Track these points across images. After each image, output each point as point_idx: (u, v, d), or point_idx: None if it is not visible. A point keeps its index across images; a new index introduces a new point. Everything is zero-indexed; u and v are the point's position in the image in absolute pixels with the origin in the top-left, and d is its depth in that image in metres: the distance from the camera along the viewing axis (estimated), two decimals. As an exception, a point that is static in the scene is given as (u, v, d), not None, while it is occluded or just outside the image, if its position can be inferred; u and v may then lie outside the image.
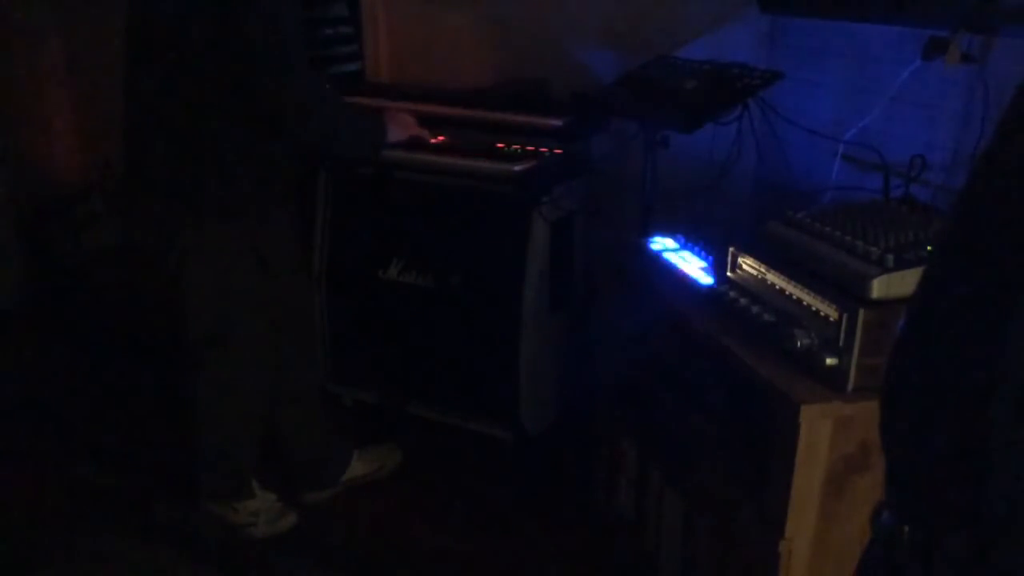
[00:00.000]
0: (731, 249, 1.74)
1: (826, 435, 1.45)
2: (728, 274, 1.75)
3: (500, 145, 2.54)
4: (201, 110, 2.01)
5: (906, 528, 0.80)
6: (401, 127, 2.41)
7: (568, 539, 2.36)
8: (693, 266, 1.93)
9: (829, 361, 1.44)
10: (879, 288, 1.40)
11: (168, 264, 2.15)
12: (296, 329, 2.38)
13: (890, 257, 1.42)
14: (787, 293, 1.58)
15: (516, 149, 2.52)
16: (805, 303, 1.53)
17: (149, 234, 2.23)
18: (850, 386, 1.42)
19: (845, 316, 1.42)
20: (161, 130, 2.05)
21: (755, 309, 1.62)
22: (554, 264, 2.58)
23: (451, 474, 2.65)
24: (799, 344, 1.48)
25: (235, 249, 2.15)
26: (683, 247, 2.04)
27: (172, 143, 2.05)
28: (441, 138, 2.62)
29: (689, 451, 1.81)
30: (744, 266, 1.71)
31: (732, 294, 1.70)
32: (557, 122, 2.59)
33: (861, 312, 1.39)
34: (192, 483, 2.38)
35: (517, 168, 2.42)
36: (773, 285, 1.62)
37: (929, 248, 1.47)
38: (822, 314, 1.48)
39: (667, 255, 2.02)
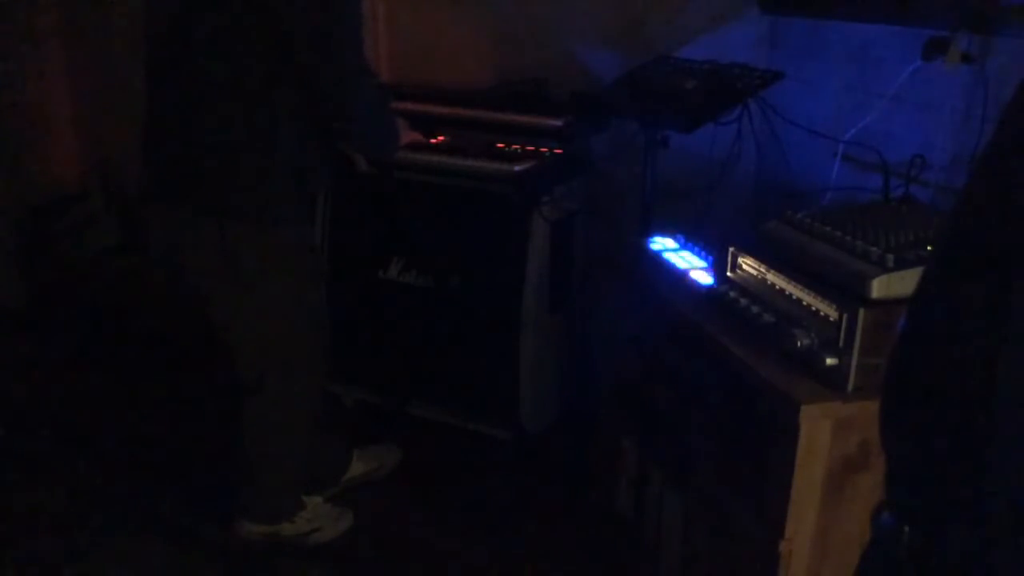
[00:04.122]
0: (731, 249, 1.74)
1: (826, 435, 1.45)
2: (728, 274, 1.75)
3: (500, 145, 2.55)
4: (257, 108, 1.89)
5: (906, 528, 0.80)
6: (403, 130, 2.39)
7: (568, 539, 2.36)
8: (693, 266, 1.93)
9: (829, 361, 1.44)
10: (879, 288, 1.40)
11: (209, 275, 2.02)
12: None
13: (890, 257, 1.42)
14: (787, 293, 1.58)
15: (516, 149, 2.53)
16: (805, 303, 1.53)
17: (184, 242, 2.02)
18: (850, 386, 1.42)
19: (845, 316, 1.42)
20: (208, 131, 1.91)
21: (755, 309, 1.62)
22: (554, 264, 2.58)
23: (451, 474, 2.65)
24: (799, 344, 1.48)
25: (292, 253, 2.07)
26: (683, 247, 2.04)
27: (223, 144, 1.91)
28: (441, 138, 2.62)
29: (689, 451, 1.81)
30: (744, 266, 1.71)
31: (732, 294, 1.70)
32: (557, 122, 2.59)
33: (861, 312, 1.39)
34: (234, 504, 2.31)
35: (517, 168, 2.42)
36: (773, 285, 1.62)
37: (929, 248, 1.47)
38: (822, 314, 1.48)
39: (667, 255, 2.01)
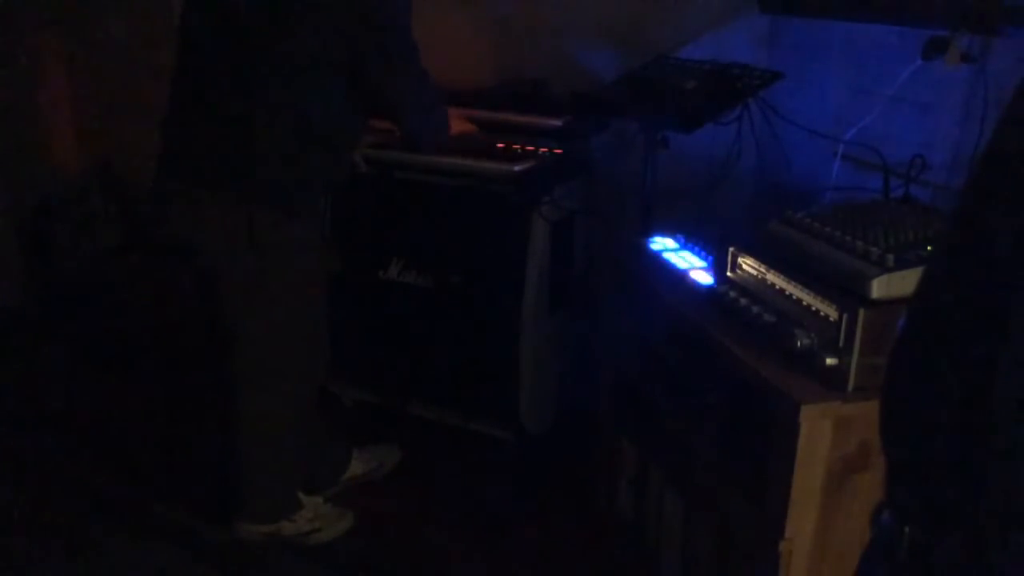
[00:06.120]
0: (731, 249, 1.74)
1: (826, 435, 1.45)
2: (728, 274, 1.75)
3: (500, 145, 2.54)
4: (306, 101, 1.94)
5: (906, 528, 0.80)
6: (455, 121, 2.39)
7: (568, 539, 2.36)
8: (693, 266, 1.93)
9: (829, 361, 1.44)
10: (879, 288, 1.40)
11: (229, 260, 2.03)
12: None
13: (890, 257, 1.42)
14: (787, 293, 1.58)
15: (516, 149, 2.52)
16: (805, 303, 1.53)
17: (208, 225, 2.03)
18: (850, 386, 1.42)
19: (845, 316, 1.42)
20: (248, 122, 1.93)
21: (755, 309, 1.62)
22: (554, 264, 2.58)
23: (451, 474, 2.65)
24: (799, 344, 1.48)
25: (311, 246, 2.12)
26: (683, 247, 2.04)
27: (261, 134, 1.94)
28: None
29: (689, 451, 1.81)
30: (744, 266, 1.71)
31: (732, 294, 1.70)
32: (557, 122, 2.59)
33: (861, 312, 1.39)
34: (232, 505, 2.30)
35: (517, 168, 2.42)
36: (773, 285, 1.62)
37: (929, 248, 1.47)
38: (822, 314, 1.48)
39: (667, 255, 2.01)
